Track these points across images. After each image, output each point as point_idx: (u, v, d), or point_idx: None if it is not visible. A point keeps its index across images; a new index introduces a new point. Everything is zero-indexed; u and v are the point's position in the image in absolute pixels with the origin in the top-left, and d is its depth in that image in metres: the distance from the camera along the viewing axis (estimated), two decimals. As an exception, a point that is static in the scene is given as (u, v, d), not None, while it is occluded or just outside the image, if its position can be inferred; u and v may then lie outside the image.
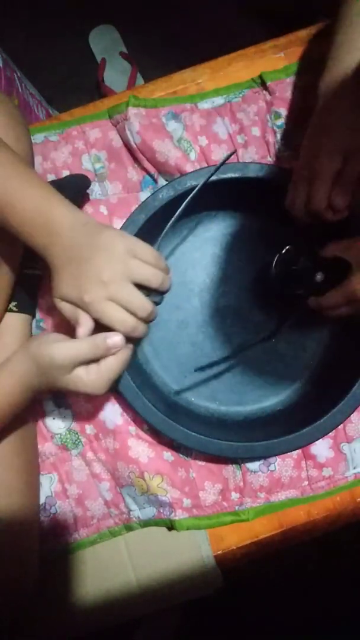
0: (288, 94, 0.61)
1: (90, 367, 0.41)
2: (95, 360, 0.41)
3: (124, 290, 0.40)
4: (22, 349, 0.43)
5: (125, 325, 0.41)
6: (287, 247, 0.52)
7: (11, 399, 0.42)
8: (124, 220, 0.53)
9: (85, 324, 0.41)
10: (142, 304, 0.41)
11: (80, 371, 0.41)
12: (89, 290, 0.40)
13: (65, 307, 0.42)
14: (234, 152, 0.58)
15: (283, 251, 0.52)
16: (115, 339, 0.40)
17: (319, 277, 0.49)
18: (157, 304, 0.43)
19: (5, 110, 0.48)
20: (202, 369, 0.57)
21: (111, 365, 0.41)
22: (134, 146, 0.59)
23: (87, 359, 0.40)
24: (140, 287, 0.42)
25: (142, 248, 0.42)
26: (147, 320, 0.42)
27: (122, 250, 0.41)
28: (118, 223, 0.60)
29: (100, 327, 0.42)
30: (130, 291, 0.41)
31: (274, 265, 0.52)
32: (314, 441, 0.50)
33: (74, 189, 0.56)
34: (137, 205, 0.53)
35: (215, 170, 0.49)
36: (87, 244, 0.41)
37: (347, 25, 0.49)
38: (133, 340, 0.43)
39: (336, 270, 0.48)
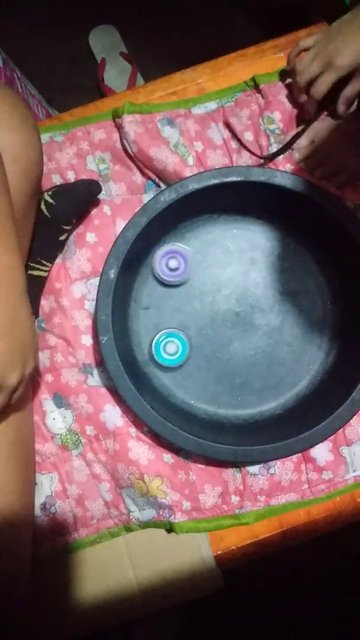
0: (281, 96, 0.61)
1: None
2: None
3: None
4: None
5: None
6: None
7: None
8: (127, 222, 0.53)
9: None
10: None
11: None
12: None
13: None
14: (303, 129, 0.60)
15: None
16: None
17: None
18: None
19: (16, 112, 0.49)
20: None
21: None
22: (132, 155, 0.60)
23: None
24: None
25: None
26: None
27: None
28: (121, 224, 0.60)
29: None
30: None
31: None
32: (313, 446, 0.50)
33: (84, 194, 0.57)
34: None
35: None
36: None
37: None
38: None
39: None
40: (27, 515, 0.50)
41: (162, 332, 0.57)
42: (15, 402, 0.46)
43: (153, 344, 0.56)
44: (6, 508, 0.46)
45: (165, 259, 0.57)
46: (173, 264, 0.57)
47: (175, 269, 0.57)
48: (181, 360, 0.56)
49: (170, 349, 0.56)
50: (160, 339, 0.56)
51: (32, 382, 0.57)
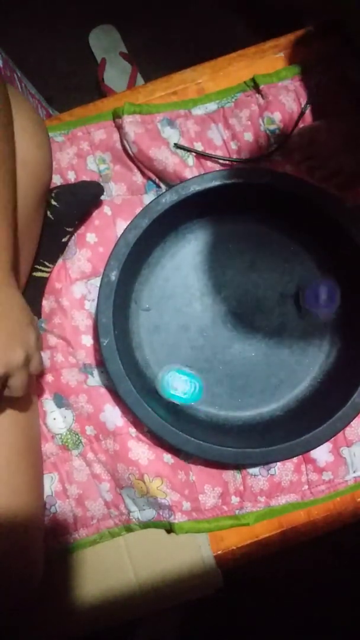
0: (281, 96, 0.61)
1: None
2: None
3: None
4: None
5: None
6: None
7: None
8: (127, 223, 0.53)
9: None
10: None
11: None
12: None
13: None
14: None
15: None
16: None
17: None
18: None
19: (29, 116, 0.49)
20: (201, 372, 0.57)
21: None
22: (132, 155, 0.60)
23: None
24: None
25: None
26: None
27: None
28: (122, 225, 0.60)
29: None
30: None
31: None
32: (313, 448, 0.50)
33: (87, 197, 0.57)
34: (141, 208, 0.53)
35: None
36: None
37: None
38: None
39: None
40: (38, 515, 0.50)
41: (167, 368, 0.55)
42: (37, 371, 0.45)
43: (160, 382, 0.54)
44: (19, 509, 0.46)
45: (318, 290, 0.56)
46: (323, 296, 0.55)
47: (325, 299, 0.55)
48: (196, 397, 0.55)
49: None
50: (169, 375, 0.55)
51: (37, 378, 0.57)
